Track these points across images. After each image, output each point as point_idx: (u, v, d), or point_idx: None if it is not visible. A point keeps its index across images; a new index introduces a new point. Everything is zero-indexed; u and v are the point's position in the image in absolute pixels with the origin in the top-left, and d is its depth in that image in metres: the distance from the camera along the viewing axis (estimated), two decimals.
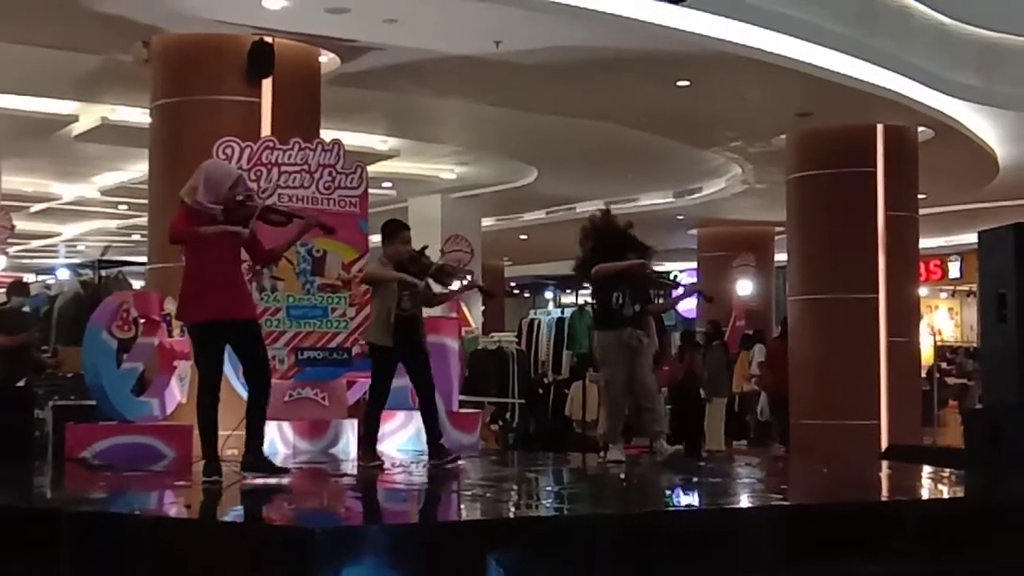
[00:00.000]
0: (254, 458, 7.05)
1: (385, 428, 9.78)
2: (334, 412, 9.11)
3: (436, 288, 8.54)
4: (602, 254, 8.62)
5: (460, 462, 8.19)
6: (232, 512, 6.48)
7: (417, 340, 8.20)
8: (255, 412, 7.17)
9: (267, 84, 10.20)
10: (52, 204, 19.64)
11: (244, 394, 9.15)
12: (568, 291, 28.62)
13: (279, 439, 8.80)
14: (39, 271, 22.19)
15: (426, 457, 8.34)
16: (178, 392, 8.93)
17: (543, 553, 5.21)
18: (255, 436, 7.11)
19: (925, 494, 7.95)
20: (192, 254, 7.02)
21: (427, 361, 8.30)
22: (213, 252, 6.92)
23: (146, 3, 9.48)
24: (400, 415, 9.85)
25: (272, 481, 6.93)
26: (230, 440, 8.93)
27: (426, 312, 8.63)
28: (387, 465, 8.11)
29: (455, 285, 9.17)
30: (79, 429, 8.48)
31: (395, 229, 8.30)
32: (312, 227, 7.53)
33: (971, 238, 11.68)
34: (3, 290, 12.75)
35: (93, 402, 8.75)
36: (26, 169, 17.12)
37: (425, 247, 8.46)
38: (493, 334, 15.50)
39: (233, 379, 9.10)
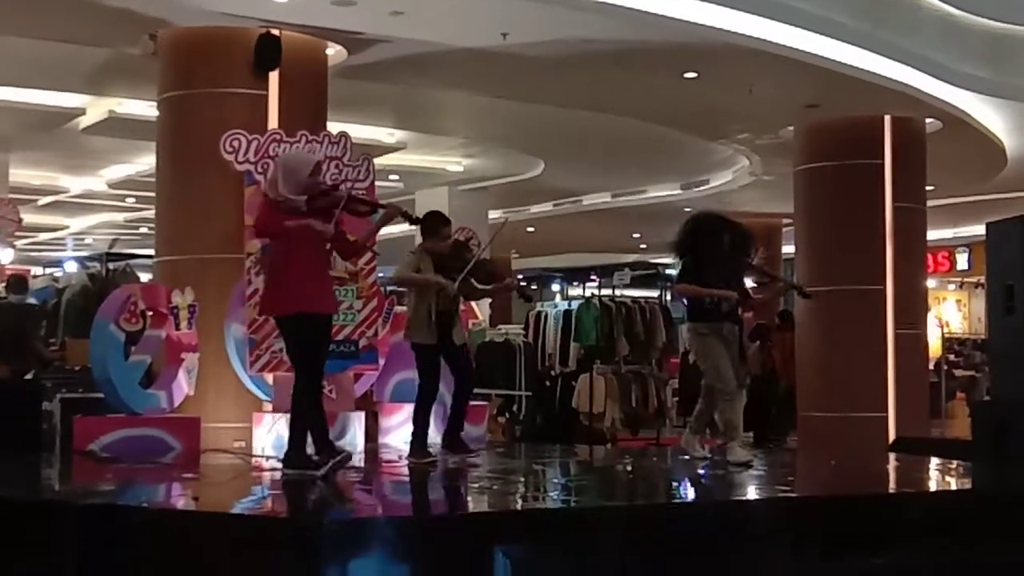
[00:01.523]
0: (295, 454, 6.96)
1: (391, 421, 9.82)
2: (341, 405, 9.11)
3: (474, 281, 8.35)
4: (695, 260, 8.34)
5: (477, 457, 8.11)
6: (240, 504, 6.49)
7: (449, 337, 8.06)
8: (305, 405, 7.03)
9: (274, 77, 10.20)
10: (60, 197, 19.67)
11: (252, 387, 9.21)
12: (575, 283, 28.57)
13: (287, 431, 8.80)
14: (47, 264, 22.20)
15: (433, 450, 8.33)
16: (186, 384, 8.95)
17: (550, 545, 5.22)
18: (294, 434, 7.00)
19: (932, 486, 7.95)
20: (278, 246, 6.96)
21: (467, 355, 8.31)
22: (300, 244, 6.83)
23: None
24: (407, 408, 9.85)
25: (308, 475, 6.80)
26: (237, 433, 8.96)
27: None
28: (439, 460, 8.03)
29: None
30: (87, 422, 8.50)
31: (435, 223, 8.12)
32: (395, 217, 7.38)
33: (979, 230, 11.66)
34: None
35: (101, 395, 8.76)
36: (34, 162, 17.14)
37: (468, 239, 8.30)
38: (500, 326, 15.48)
39: (242, 373, 9.14)
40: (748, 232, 8.64)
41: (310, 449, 6.98)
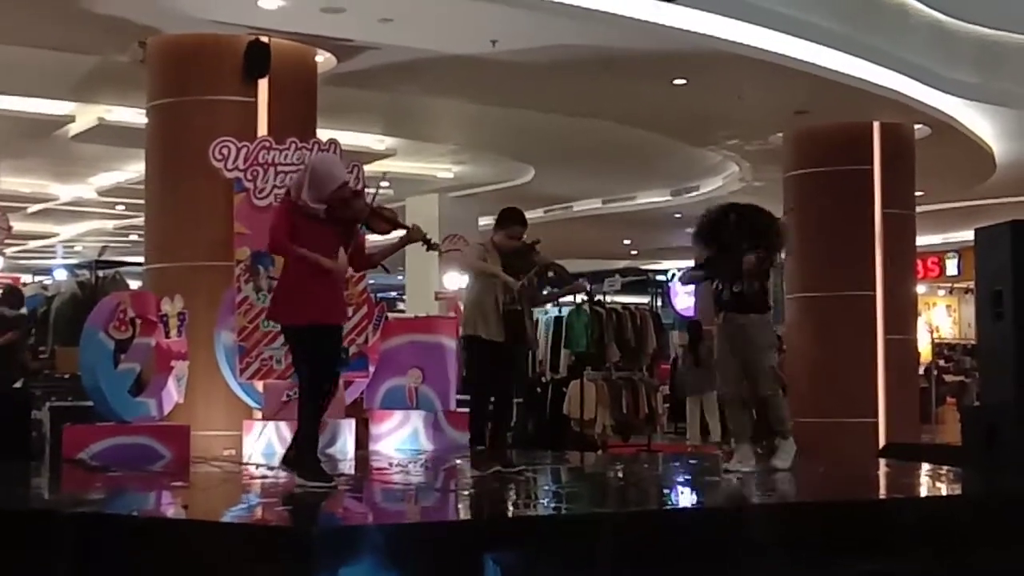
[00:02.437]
0: (308, 465, 6.83)
1: (382, 428, 9.82)
2: (331, 412, 9.06)
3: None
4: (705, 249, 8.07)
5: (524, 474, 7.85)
6: (230, 513, 6.48)
7: (522, 336, 7.74)
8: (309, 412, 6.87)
9: (263, 84, 10.20)
10: (49, 205, 19.63)
11: (242, 395, 9.21)
12: None
13: (276, 439, 8.81)
14: (36, 272, 22.19)
15: (424, 457, 8.32)
16: (175, 392, 8.93)
17: (541, 552, 5.21)
18: (300, 435, 6.89)
19: (923, 492, 7.96)
20: (290, 258, 6.81)
21: (526, 359, 7.89)
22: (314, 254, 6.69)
23: (142, 4, 9.47)
24: (398, 414, 9.86)
25: (324, 487, 6.70)
26: (227, 441, 8.95)
27: (423, 311, 8.58)
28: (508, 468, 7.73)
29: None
30: (76, 430, 8.47)
31: (511, 219, 7.84)
32: (416, 240, 7.15)
33: (969, 235, 11.68)
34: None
35: (90, 403, 8.74)
36: (23, 170, 17.11)
37: (536, 242, 7.89)
38: None
39: (232, 381, 9.13)
40: (760, 215, 8.19)
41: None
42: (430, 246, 7.26)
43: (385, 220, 7.11)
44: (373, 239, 7.39)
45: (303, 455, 6.77)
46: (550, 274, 7.95)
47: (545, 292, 8.17)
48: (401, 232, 7.13)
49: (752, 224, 8.11)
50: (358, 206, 6.95)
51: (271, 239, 6.80)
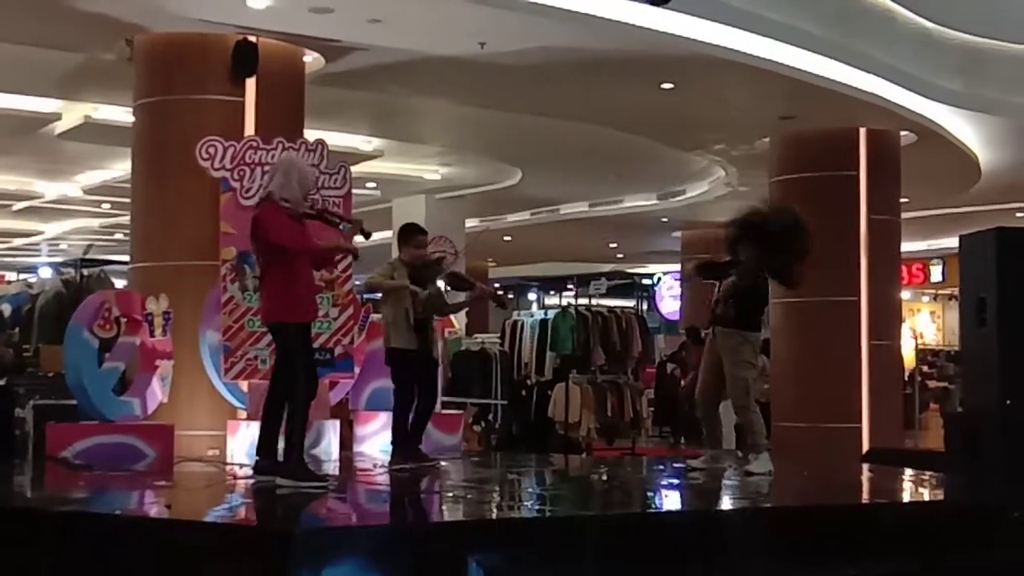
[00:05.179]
0: (268, 463, 6.96)
1: (366, 429, 9.80)
2: (316, 413, 9.04)
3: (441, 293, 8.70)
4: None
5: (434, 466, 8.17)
6: (213, 512, 6.47)
7: (428, 346, 8.37)
8: (290, 416, 7.02)
9: (251, 83, 10.17)
10: (35, 202, 19.56)
11: (226, 394, 9.19)
12: (552, 292, 28.59)
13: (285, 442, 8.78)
14: (21, 269, 22.10)
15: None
16: (159, 391, 8.90)
17: (524, 555, 5.22)
18: (288, 442, 6.97)
19: (905, 497, 7.99)
20: (285, 255, 6.94)
21: (436, 368, 8.63)
22: (304, 254, 7.06)
23: (129, 1, 9.44)
24: (382, 416, 9.85)
25: (316, 487, 6.79)
26: (211, 441, 8.93)
27: None
28: (410, 468, 8.08)
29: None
30: (60, 428, 8.45)
31: (410, 232, 8.45)
32: (356, 232, 7.58)
33: (953, 242, 11.71)
34: None
35: (74, 401, 8.71)
36: (8, 167, 17.06)
37: (441, 258, 8.60)
38: (476, 335, 15.47)
39: (216, 381, 9.11)
40: (744, 219, 8.38)
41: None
42: (365, 235, 7.70)
43: (335, 215, 7.66)
44: None
45: (293, 456, 6.81)
46: (448, 287, 8.80)
47: (452, 301, 8.98)
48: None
49: (762, 237, 8.26)
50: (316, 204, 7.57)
51: (290, 241, 6.89)
